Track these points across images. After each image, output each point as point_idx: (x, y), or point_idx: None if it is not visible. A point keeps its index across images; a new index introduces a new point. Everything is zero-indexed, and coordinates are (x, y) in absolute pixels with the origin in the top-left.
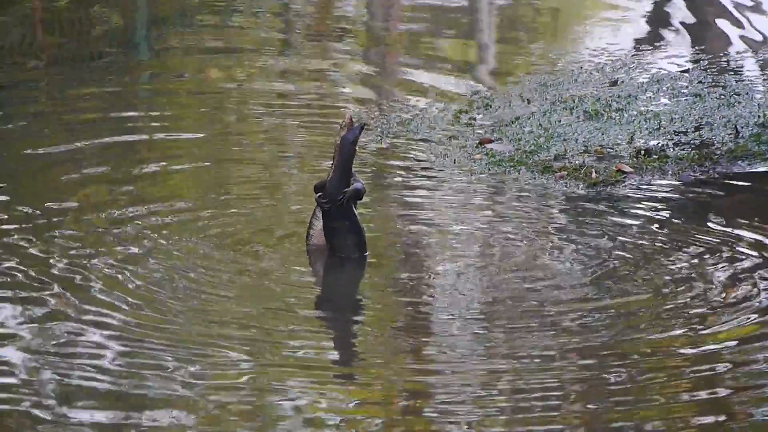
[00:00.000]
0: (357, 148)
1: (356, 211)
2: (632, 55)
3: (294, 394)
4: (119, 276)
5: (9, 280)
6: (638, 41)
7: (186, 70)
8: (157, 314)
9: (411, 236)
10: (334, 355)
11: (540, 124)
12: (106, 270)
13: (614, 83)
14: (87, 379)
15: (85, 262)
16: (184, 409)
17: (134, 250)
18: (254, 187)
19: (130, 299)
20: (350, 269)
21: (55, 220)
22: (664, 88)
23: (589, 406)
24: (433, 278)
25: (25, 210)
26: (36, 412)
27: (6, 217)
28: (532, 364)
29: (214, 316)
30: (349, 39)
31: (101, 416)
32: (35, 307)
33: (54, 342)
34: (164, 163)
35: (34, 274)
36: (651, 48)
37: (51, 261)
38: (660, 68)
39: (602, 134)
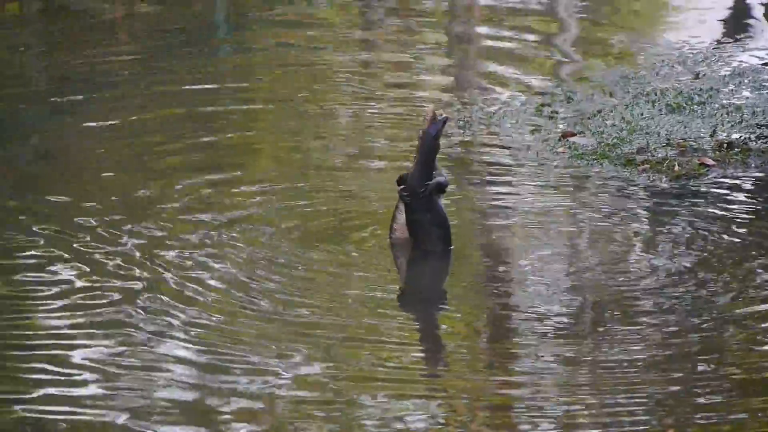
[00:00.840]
0: (440, 141)
1: (441, 205)
2: (714, 48)
3: (374, 402)
4: (194, 271)
5: (75, 268)
6: (720, 34)
7: (266, 47)
8: (235, 314)
9: (495, 229)
10: (417, 360)
11: (622, 117)
12: (181, 263)
13: (696, 76)
14: (164, 386)
15: (159, 251)
16: (262, 413)
17: (209, 240)
18: (335, 174)
19: (205, 297)
20: (434, 263)
21: (130, 197)
22: (746, 81)
23: (676, 421)
24: (518, 274)
25: (100, 185)
26: (111, 423)
27: (82, 193)
28: (619, 374)
29: (292, 315)
30: (430, 30)
31: (179, 429)
32: (104, 309)
33: (126, 348)
34: (243, 140)
35: (104, 263)
36: (732, 41)
37: (122, 250)
38: (742, 61)
39: (684, 127)
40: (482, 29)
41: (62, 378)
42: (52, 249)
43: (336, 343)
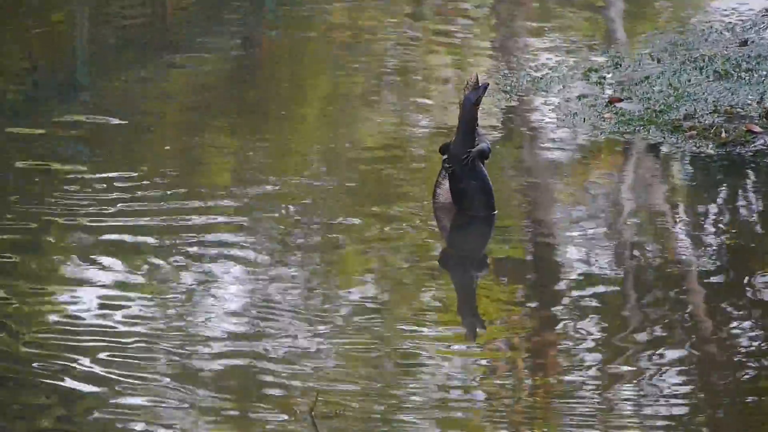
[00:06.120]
0: (481, 107)
1: (485, 171)
2: (762, 15)
3: (414, 367)
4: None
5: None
6: None
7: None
8: (282, 279)
9: (539, 196)
10: (456, 324)
11: (670, 84)
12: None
13: (744, 43)
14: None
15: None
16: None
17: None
18: (380, 141)
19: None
20: (477, 227)
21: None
22: None
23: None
24: (560, 240)
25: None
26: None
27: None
28: (651, 340)
29: (335, 278)
30: None
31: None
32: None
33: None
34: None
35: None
36: None
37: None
38: None
39: (732, 94)
40: None
41: None
42: None
43: (378, 307)
